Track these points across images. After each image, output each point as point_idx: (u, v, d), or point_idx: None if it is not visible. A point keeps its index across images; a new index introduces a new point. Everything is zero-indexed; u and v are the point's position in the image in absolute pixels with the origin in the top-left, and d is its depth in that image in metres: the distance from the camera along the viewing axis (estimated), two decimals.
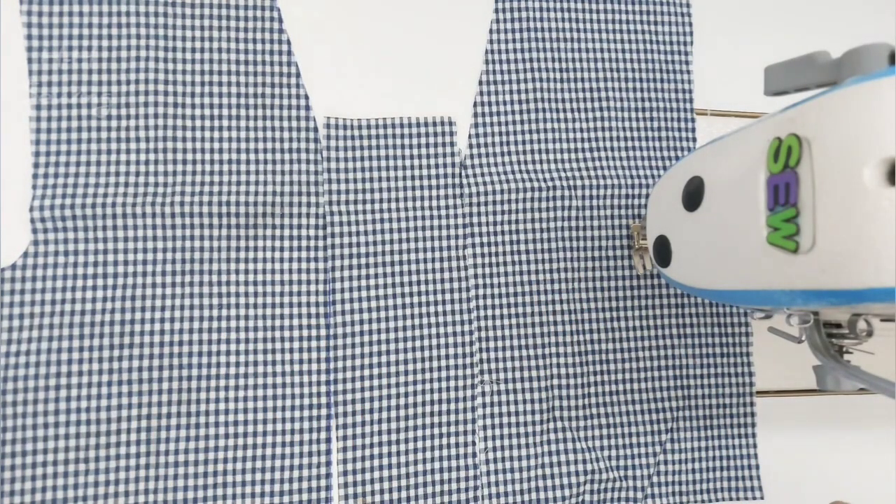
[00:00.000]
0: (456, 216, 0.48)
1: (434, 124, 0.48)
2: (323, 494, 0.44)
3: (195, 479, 0.42)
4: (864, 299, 0.27)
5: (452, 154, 0.48)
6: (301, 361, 0.45)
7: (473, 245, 0.48)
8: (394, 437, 0.45)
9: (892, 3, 0.56)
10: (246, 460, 0.43)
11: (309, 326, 0.45)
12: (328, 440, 0.44)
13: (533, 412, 0.47)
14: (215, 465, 0.43)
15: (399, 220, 0.47)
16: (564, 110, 0.51)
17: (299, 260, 0.45)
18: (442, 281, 0.47)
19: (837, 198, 0.27)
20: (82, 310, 0.42)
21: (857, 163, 0.26)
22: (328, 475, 0.44)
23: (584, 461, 0.47)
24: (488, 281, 0.48)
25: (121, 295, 0.43)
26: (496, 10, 0.51)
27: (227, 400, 0.43)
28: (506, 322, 0.48)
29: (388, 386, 0.46)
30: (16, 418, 0.41)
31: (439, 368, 0.46)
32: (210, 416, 0.43)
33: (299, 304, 0.45)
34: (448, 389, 0.46)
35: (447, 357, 0.46)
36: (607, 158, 0.51)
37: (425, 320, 0.47)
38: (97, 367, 0.42)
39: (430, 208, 0.48)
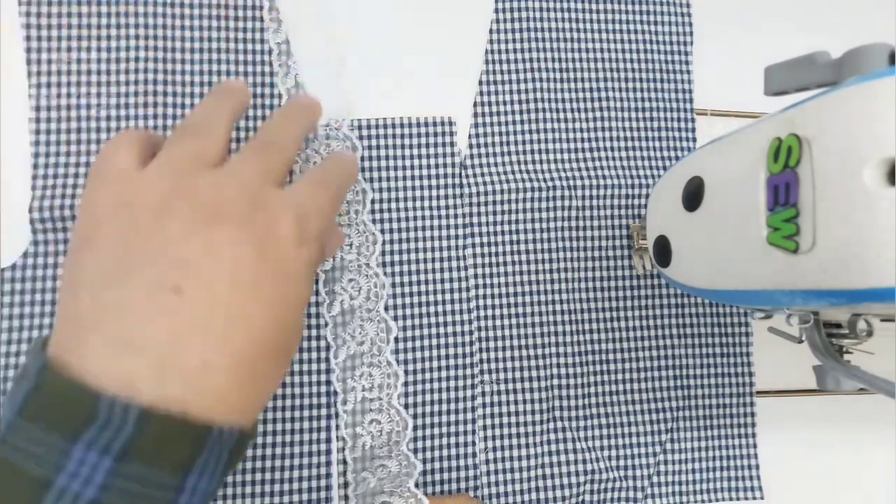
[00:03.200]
0: (456, 216, 0.48)
1: (434, 124, 0.48)
2: (323, 494, 0.44)
3: None
4: (864, 299, 0.27)
5: (452, 154, 0.48)
6: (301, 361, 0.45)
7: (473, 245, 0.48)
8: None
9: (892, 3, 0.56)
10: (245, 460, 0.43)
11: (310, 326, 0.45)
12: (328, 440, 0.44)
13: (533, 412, 0.47)
14: None
15: (399, 220, 0.47)
16: (564, 110, 0.51)
17: None
18: (442, 281, 0.47)
19: (837, 198, 0.27)
20: None
21: (857, 163, 0.26)
22: (328, 475, 0.44)
23: (584, 461, 0.47)
24: (488, 281, 0.48)
25: None
26: (496, 10, 0.51)
27: None
28: (506, 322, 0.48)
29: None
30: None
31: (439, 368, 0.46)
32: None
33: None
34: (448, 389, 0.46)
35: (447, 357, 0.46)
36: (607, 158, 0.51)
37: (425, 320, 0.47)
38: None
39: (431, 208, 0.48)
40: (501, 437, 0.47)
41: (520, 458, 0.47)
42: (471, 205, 0.48)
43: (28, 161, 0.43)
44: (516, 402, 0.47)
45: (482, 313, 0.48)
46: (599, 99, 0.51)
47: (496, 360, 0.47)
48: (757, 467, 0.50)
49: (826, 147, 0.27)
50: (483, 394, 0.47)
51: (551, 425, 0.48)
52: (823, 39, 0.34)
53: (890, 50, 0.28)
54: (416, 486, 0.44)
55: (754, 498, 0.50)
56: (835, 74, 0.30)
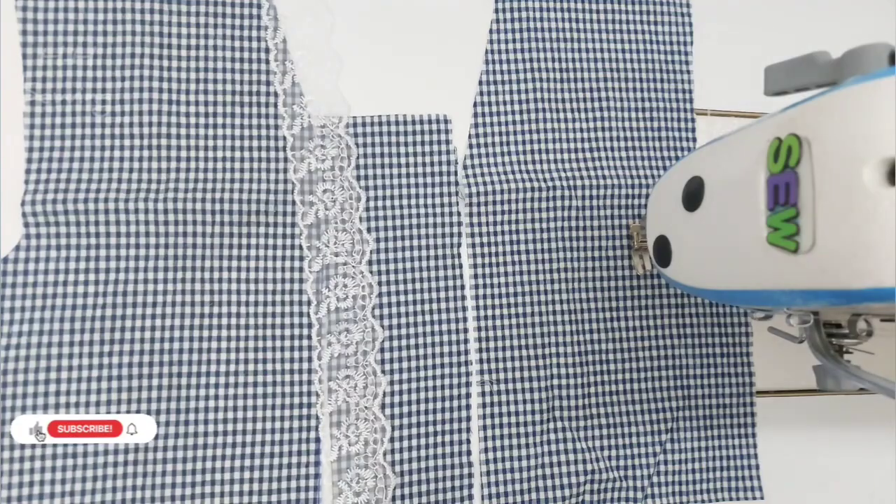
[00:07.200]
0: (451, 214, 0.48)
1: (429, 122, 0.48)
2: (311, 494, 0.44)
3: (183, 475, 0.43)
4: (864, 299, 0.27)
5: (448, 152, 0.48)
6: (293, 360, 0.45)
7: (473, 245, 0.48)
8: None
9: (892, 3, 0.56)
10: (235, 458, 0.43)
11: (301, 325, 0.45)
12: (317, 439, 0.44)
13: (533, 412, 0.47)
14: (203, 463, 0.43)
15: (394, 217, 0.47)
16: (564, 110, 0.51)
17: (292, 258, 0.45)
18: (436, 279, 0.47)
19: (837, 198, 0.27)
20: (73, 304, 0.42)
21: (857, 163, 0.26)
22: (317, 475, 0.44)
23: (584, 461, 0.47)
24: (488, 281, 0.48)
25: (112, 290, 0.43)
26: (496, 10, 0.51)
27: (217, 397, 0.43)
28: (506, 322, 0.48)
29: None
30: (4, 412, 0.41)
31: (434, 367, 0.46)
32: (200, 412, 0.43)
33: (292, 303, 0.45)
34: (441, 388, 0.46)
35: (440, 356, 0.46)
36: (607, 158, 0.51)
37: (419, 318, 0.47)
38: (87, 361, 0.42)
39: (426, 206, 0.48)
40: (501, 437, 0.47)
41: (520, 458, 0.47)
42: (470, 205, 0.48)
43: (21, 156, 0.43)
44: (516, 402, 0.47)
45: (482, 313, 0.48)
46: (599, 99, 0.51)
47: (496, 360, 0.47)
48: (757, 467, 0.50)
49: (826, 147, 0.27)
50: (483, 394, 0.47)
51: (551, 425, 0.48)
52: (823, 39, 0.34)
53: (890, 50, 0.28)
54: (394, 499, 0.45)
55: (754, 498, 0.50)
56: (835, 74, 0.30)
